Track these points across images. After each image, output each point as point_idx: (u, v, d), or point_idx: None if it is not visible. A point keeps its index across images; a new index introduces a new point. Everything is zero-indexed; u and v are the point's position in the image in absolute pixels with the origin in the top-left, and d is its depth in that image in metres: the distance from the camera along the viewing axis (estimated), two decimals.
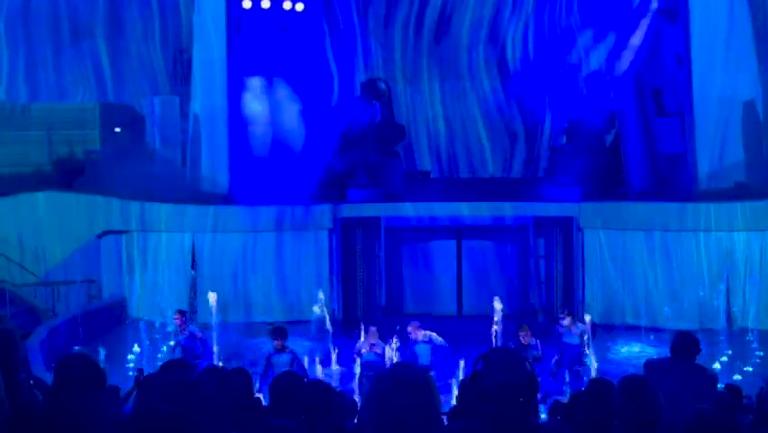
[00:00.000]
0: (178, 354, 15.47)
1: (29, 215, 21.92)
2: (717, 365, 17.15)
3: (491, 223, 22.46)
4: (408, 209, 22.34)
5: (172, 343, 16.53)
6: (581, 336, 16.09)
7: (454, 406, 7.82)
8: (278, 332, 14.92)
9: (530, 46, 24.71)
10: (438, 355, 15.74)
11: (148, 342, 19.17)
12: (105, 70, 24.55)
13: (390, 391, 3.28)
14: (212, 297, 17.49)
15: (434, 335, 15.89)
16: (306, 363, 15.39)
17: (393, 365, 3.39)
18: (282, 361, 14.49)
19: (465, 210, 22.22)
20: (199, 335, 15.97)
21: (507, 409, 4.15)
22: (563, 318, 16.32)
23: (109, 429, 4.07)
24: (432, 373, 14.81)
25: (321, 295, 19.68)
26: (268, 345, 15.16)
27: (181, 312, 16.22)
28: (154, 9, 24.40)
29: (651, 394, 4.47)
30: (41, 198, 22.02)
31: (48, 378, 12.63)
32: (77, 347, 17.13)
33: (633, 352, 19.21)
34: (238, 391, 5.59)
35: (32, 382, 6.43)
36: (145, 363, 15.68)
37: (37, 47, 24.38)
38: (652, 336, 19.53)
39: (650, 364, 6.66)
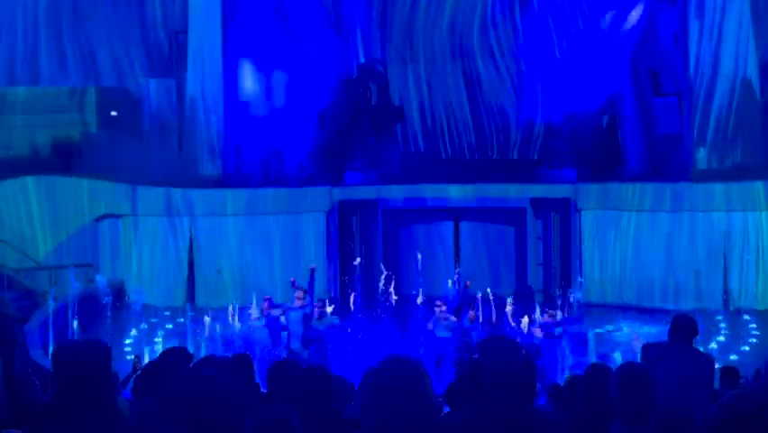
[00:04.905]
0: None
1: (24, 199, 21.86)
2: (713, 345, 17.22)
3: (489, 204, 22.45)
4: (409, 192, 22.30)
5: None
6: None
7: (449, 388, 7.84)
8: None
9: (523, 27, 24.57)
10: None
11: (145, 325, 19.18)
12: (101, 53, 24.41)
13: (385, 382, 3.30)
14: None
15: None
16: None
17: (385, 357, 3.41)
18: None
19: (470, 192, 22.16)
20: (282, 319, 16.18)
21: (505, 397, 4.16)
22: (439, 307, 15.39)
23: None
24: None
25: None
26: None
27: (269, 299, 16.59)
28: None
29: (647, 383, 4.49)
30: (37, 181, 21.95)
31: (46, 362, 12.66)
32: (74, 332, 17.15)
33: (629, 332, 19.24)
34: (240, 379, 5.60)
35: (29, 370, 6.45)
36: (142, 348, 15.70)
37: (35, 31, 24.24)
38: (647, 317, 19.56)
39: (647, 349, 6.68)
